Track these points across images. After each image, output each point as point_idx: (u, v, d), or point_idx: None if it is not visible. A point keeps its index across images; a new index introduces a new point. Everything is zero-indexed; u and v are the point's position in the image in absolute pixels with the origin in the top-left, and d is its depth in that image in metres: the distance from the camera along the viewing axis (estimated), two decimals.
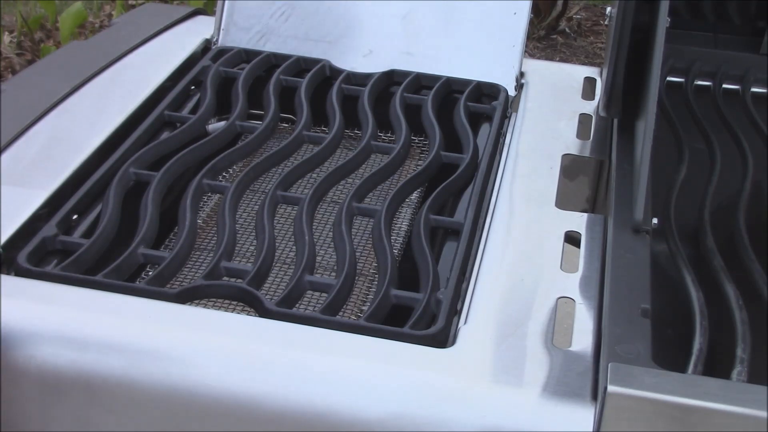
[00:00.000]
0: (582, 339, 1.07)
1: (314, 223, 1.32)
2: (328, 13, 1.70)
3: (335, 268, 1.22)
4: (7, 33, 4.00)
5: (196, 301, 1.15)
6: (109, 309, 1.08)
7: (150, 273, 1.26)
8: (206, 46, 1.72)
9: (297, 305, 1.17)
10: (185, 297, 1.12)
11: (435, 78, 1.61)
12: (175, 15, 1.82)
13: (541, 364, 1.03)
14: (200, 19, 1.84)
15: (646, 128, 1.24)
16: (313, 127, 1.55)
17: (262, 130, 1.46)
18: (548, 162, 1.43)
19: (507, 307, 1.12)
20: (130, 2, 4.29)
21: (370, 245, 1.35)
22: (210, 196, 1.52)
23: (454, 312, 1.12)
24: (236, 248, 1.28)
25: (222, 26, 1.72)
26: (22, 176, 1.29)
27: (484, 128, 1.52)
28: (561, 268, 1.19)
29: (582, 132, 1.54)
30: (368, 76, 1.61)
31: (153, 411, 1.02)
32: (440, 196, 1.33)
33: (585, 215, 1.30)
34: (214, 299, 1.22)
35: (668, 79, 1.71)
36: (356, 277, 1.20)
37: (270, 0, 1.71)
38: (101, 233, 1.20)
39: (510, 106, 1.60)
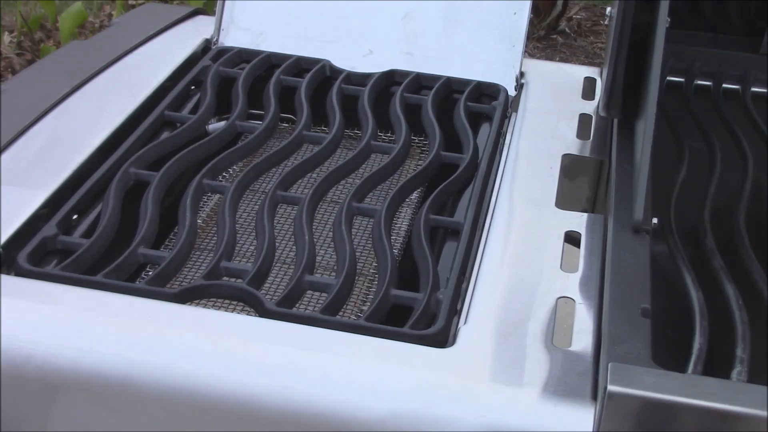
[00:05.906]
0: (582, 339, 1.07)
1: (314, 223, 1.32)
2: (328, 13, 1.70)
3: (335, 268, 1.22)
4: (7, 33, 4.00)
5: (196, 301, 1.15)
6: (109, 309, 1.08)
7: (150, 273, 1.26)
8: (206, 46, 1.72)
9: (297, 305, 1.17)
10: (185, 297, 1.12)
11: (435, 78, 1.61)
12: (175, 15, 1.82)
13: (541, 364, 1.03)
14: (200, 19, 1.84)
15: (646, 128, 1.24)
16: (313, 127, 1.55)
17: (262, 130, 1.46)
18: (548, 162, 1.43)
19: (507, 307, 1.12)
20: (130, 2, 4.28)
21: (370, 245, 1.35)
22: (210, 196, 1.52)
23: (454, 312, 1.12)
24: (236, 248, 1.28)
25: (222, 26, 1.72)
26: (22, 176, 1.29)
27: (484, 128, 1.52)
28: (561, 268, 1.19)
29: (582, 132, 1.54)
30: (368, 76, 1.61)
31: (153, 411, 1.02)
32: (440, 196, 1.33)
33: (585, 215, 1.30)
34: (214, 299, 1.22)
35: (668, 79, 1.71)
36: (356, 277, 1.20)
37: (270, 0, 1.71)
38: (101, 233, 1.20)
39: (510, 106, 1.60)
